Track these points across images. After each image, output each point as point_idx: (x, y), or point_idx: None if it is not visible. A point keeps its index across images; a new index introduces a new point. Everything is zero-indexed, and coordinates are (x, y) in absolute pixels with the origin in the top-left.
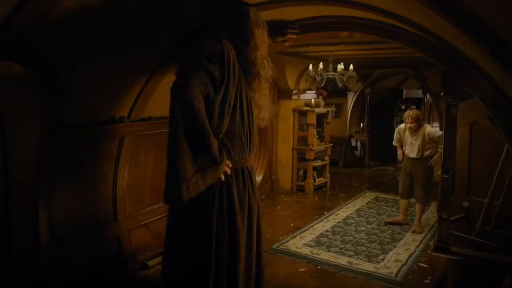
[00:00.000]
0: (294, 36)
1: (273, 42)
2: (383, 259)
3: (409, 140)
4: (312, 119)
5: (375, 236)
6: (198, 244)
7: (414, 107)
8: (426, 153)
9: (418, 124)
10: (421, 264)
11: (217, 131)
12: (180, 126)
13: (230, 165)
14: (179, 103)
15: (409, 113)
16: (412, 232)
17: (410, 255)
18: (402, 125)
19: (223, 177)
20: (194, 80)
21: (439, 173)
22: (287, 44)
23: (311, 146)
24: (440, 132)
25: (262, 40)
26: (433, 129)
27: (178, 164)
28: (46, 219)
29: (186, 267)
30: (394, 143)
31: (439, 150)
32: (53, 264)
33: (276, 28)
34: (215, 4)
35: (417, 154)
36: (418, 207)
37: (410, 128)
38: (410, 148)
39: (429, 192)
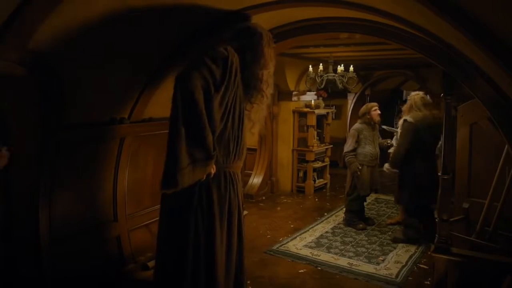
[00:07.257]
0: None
1: None
2: (383, 260)
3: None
4: (312, 121)
5: (375, 237)
6: (176, 244)
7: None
8: None
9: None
10: (421, 265)
11: (214, 130)
12: (180, 114)
13: (215, 168)
14: (181, 91)
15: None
16: None
17: (410, 256)
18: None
19: (204, 176)
20: (196, 73)
21: (439, 174)
22: None
23: (311, 148)
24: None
25: (271, 58)
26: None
27: (177, 152)
28: (46, 219)
29: (165, 265)
30: None
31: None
32: (53, 264)
33: None
34: (213, 11)
35: None
36: None
37: None
38: None
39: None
